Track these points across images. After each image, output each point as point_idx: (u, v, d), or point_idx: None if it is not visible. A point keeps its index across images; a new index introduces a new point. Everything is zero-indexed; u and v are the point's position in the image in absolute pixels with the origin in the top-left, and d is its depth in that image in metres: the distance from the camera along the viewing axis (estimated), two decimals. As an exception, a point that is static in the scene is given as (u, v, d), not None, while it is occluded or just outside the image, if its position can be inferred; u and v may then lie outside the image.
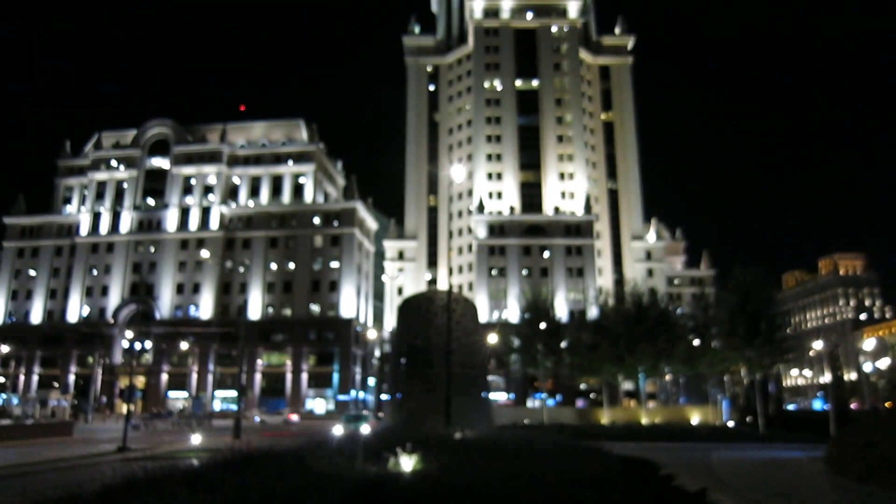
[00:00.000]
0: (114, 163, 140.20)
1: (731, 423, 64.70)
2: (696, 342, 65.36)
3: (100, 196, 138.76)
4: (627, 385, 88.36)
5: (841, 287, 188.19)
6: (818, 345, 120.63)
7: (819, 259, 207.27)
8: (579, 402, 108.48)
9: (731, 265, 60.06)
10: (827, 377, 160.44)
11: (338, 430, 42.77)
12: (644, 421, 61.67)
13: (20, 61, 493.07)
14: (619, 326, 61.26)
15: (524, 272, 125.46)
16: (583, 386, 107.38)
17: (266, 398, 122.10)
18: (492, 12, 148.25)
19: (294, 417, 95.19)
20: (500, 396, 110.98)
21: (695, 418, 65.34)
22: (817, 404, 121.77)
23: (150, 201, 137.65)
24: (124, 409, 59.00)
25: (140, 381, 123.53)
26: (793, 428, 56.11)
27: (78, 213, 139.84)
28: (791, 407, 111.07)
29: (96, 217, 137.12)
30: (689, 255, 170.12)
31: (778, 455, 38.46)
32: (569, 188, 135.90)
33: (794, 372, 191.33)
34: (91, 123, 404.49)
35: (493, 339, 75.06)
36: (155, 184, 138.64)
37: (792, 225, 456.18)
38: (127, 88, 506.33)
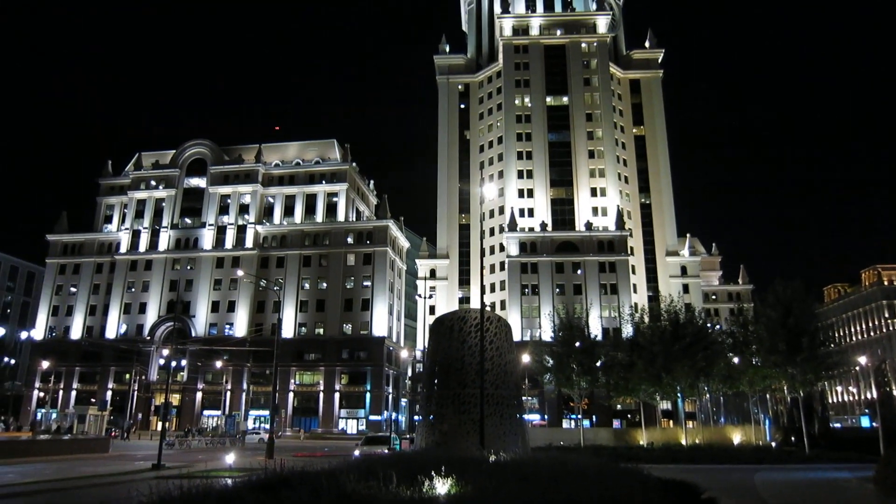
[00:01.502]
0: (153, 182, 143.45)
1: (774, 444, 62.90)
2: (736, 360, 63.88)
3: (139, 214, 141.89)
4: (665, 405, 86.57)
5: (885, 299, 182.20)
6: (863, 359, 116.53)
7: (861, 271, 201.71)
8: (616, 423, 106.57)
9: (770, 279, 58.75)
10: (874, 393, 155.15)
11: (356, 452, 42.41)
12: (684, 442, 60.23)
13: (66, 84, 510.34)
14: (655, 344, 60.06)
15: (557, 290, 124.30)
16: (619, 406, 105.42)
17: (298, 418, 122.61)
18: (521, 30, 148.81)
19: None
20: (533, 417, 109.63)
21: (736, 438, 63.67)
22: (865, 422, 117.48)
23: (188, 220, 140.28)
24: (159, 426, 59.64)
25: (175, 398, 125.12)
26: (839, 447, 54.39)
27: (118, 231, 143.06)
28: (837, 425, 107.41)
29: (135, 235, 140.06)
30: (726, 270, 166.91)
31: (825, 476, 37.23)
32: (601, 204, 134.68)
33: (839, 388, 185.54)
34: (132, 143, 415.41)
35: (526, 358, 74.36)
36: (192, 203, 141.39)
37: (832, 237, 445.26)
38: (168, 110, 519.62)
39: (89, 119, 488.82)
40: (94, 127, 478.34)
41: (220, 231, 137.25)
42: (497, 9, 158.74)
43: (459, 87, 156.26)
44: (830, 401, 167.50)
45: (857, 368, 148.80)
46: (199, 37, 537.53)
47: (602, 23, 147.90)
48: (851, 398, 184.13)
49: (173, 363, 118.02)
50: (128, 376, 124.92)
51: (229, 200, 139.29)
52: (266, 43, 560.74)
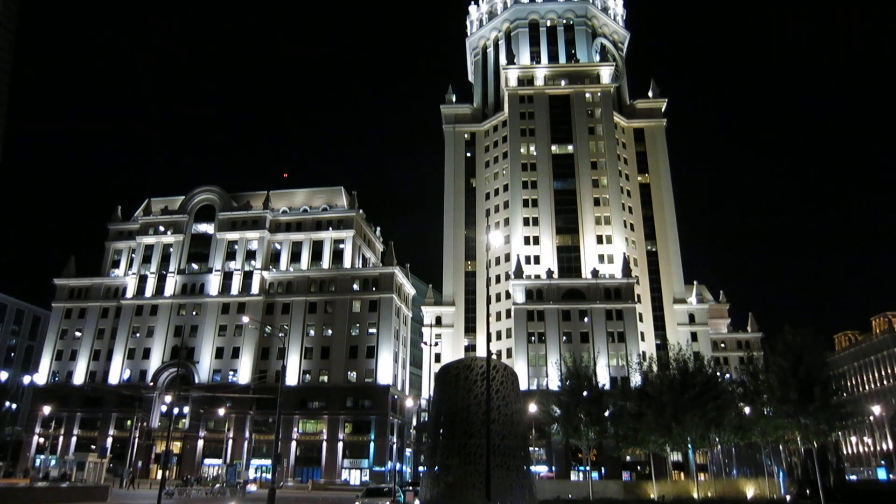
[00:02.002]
0: (162, 227, 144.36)
1: (788, 497, 61.27)
2: (747, 409, 62.73)
3: (147, 260, 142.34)
4: (676, 456, 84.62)
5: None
6: (877, 409, 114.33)
7: (872, 318, 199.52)
8: (625, 475, 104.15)
9: (779, 327, 58.25)
10: (890, 444, 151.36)
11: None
12: (695, 495, 58.71)
13: (81, 132, 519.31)
14: (664, 394, 59.14)
15: (563, 338, 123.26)
16: (628, 458, 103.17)
17: (300, 468, 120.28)
18: (526, 80, 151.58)
19: (252, 488, 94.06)
20: (541, 469, 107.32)
21: (750, 491, 62.04)
22: (881, 474, 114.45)
23: (195, 265, 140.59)
24: (159, 474, 58.59)
25: (176, 446, 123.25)
26: (856, 500, 53.05)
27: (125, 275, 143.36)
28: (853, 477, 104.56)
29: (142, 280, 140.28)
30: (734, 317, 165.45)
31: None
32: (607, 251, 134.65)
33: (854, 439, 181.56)
34: (143, 190, 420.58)
35: (533, 408, 73.17)
36: (200, 248, 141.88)
37: (840, 283, 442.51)
38: (179, 156, 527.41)
39: (100, 165, 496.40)
40: (105, 172, 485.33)
41: (227, 277, 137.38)
42: (503, 60, 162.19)
43: (466, 135, 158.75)
44: (845, 452, 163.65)
45: (872, 418, 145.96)
46: (210, 87, 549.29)
47: (605, 73, 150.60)
48: (867, 449, 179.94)
49: (175, 410, 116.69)
50: (129, 423, 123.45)
51: (236, 246, 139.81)
52: (276, 91, 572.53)
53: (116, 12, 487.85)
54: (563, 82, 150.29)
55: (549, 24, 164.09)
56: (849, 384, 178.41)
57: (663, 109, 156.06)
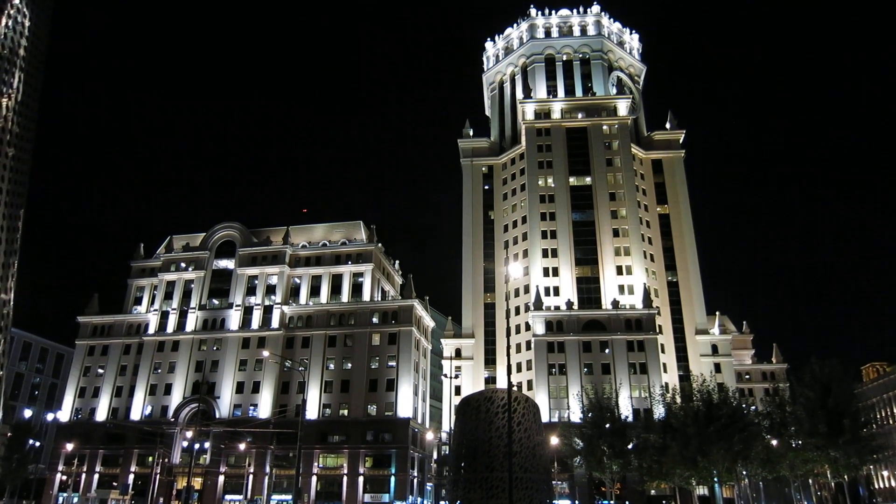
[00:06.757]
0: (183, 264, 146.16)
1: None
2: (774, 442, 61.54)
3: (168, 296, 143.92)
4: (702, 490, 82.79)
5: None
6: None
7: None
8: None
9: (805, 358, 57.44)
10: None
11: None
12: (722, 530, 57.32)
13: (104, 172, 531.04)
14: (689, 426, 58.38)
15: (585, 369, 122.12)
16: (653, 491, 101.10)
17: (321, 502, 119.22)
18: (543, 114, 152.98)
19: None
20: (564, 503, 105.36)
21: (779, 528, 60.40)
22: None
23: (215, 301, 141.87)
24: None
25: (197, 482, 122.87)
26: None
27: (147, 312, 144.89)
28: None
29: (164, 316, 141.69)
30: (758, 348, 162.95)
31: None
32: (627, 282, 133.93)
33: (886, 473, 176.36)
34: (166, 227, 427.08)
35: (555, 440, 72.36)
36: (220, 284, 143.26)
37: (865, 314, 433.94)
38: (201, 195, 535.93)
39: (123, 204, 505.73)
40: (128, 211, 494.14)
41: (247, 312, 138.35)
42: (519, 94, 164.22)
43: (483, 168, 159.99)
44: (877, 486, 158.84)
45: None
46: (231, 121, 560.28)
47: (622, 106, 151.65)
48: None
49: (196, 446, 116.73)
50: (151, 459, 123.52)
51: (256, 281, 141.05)
52: (296, 127, 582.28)
53: (135, 51, 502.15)
54: (580, 115, 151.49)
55: (564, 58, 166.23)
56: (878, 416, 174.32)
57: (681, 141, 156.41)
